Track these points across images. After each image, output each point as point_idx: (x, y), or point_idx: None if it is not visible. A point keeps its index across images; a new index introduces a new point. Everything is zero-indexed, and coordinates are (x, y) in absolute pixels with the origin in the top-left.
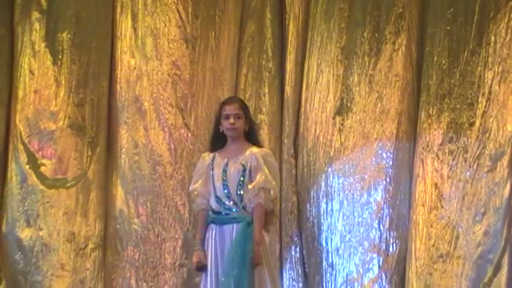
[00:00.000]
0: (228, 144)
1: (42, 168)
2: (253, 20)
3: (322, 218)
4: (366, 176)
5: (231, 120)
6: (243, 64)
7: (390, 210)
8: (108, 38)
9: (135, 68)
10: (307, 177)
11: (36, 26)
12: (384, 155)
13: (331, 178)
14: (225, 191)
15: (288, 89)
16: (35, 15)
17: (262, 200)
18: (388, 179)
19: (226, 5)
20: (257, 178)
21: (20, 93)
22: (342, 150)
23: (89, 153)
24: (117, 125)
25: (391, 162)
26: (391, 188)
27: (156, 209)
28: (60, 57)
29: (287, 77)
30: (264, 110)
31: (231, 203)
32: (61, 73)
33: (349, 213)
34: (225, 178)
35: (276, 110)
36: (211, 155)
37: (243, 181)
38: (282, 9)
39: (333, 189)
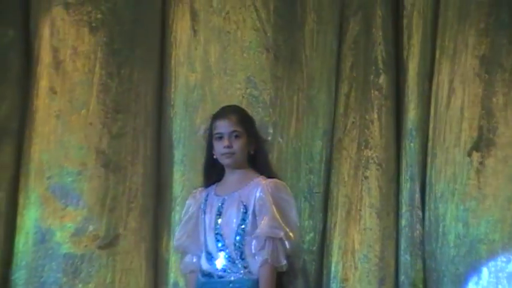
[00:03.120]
0: (226, 175)
1: (67, 224)
2: (358, 18)
3: None
4: None
5: (225, 141)
6: (344, 80)
7: None
8: (157, 43)
9: (195, 87)
10: (434, 236)
11: (60, 26)
12: None
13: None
14: (219, 243)
15: (410, 114)
16: (58, 12)
17: (269, 256)
18: None
19: None
20: (261, 224)
21: (38, 119)
22: (482, 200)
23: (130, 202)
24: (169, 165)
25: None
26: None
27: None
28: (92, 69)
29: (407, 98)
30: (371, 143)
31: (227, 260)
32: (93, 92)
33: None
34: (218, 225)
35: (390, 143)
36: (205, 191)
37: (243, 229)
38: (398, 4)
39: (471, 254)
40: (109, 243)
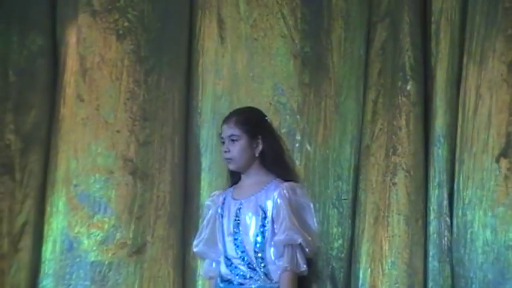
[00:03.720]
0: (243, 178)
1: (94, 231)
2: (385, 24)
3: None
4: None
5: (225, 147)
6: (371, 86)
7: None
8: (184, 51)
9: (222, 94)
10: (462, 243)
11: (87, 34)
12: None
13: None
14: (238, 249)
15: (438, 121)
16: (85, 19)
17: (288, 264)
18: None
19: (348, 5)
20: (278, 230)
21: (65, 127)
22: (510, 206)
23: (158, 210)
24: (196, 173)
25: None
26: None
27: None
28: (119, 76)
29: (435, 104)
30: (399, 149)
31: (247, 267)
32: (120, 98)
33: None
34: (237, 230)
35: (418, 149)
36: (223, 194)
37: (263, 234)
38: (426, 10)
39: (500, 261)
40: (137, 251)
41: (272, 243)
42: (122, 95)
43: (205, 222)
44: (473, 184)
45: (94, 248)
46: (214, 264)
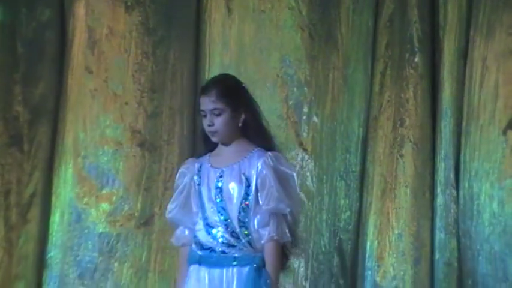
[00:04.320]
0: (221, 147)
1: (102, 203)
2: None
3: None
4: None
5: (207, 120)
6: (379, 59)
7: None
8: (192, 23)
9: (229, 66)
10: (469, 215)
11: (95, 5)
12: None
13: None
14: (222, 217)
15: (445, 93)
16: None
17: (274, 233)
18: None
19: None
20: (264, 199)
21: (73, 99)
22: None
23: (166, 181)
24: None
25: None
26: None
27: None
28: (127, 48)
29: (442, 76)
30: (407, 122)
31: (230, 235)
32: (128, 71)
33: None
34: (219, 198)
35: (426, 122)
36: (198, 161)
37: (247, 204)
38: None
39: (506, 233)
40: (145, 222)
41: (257, 211)
42: (130, 66)
43: (179, 189)
44: (479, 156)
45: (102, 220)
46: (187, 232)
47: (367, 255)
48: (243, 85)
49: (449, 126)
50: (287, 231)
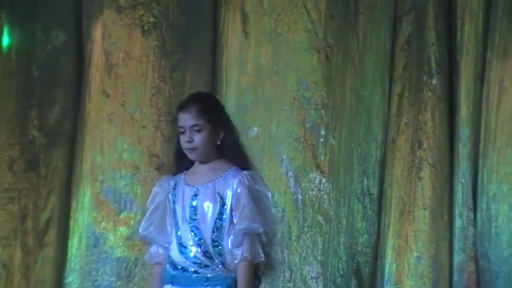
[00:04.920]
0: (197, 165)
1: (120, 227)
2: (410, 19)
3: None
4: None
5: (186, 137)
6: (396, 81)
7: None
8: (208, 46)
9: (246, 89)
10: (487, 237)
11: (112, 29)
12: None
13: None
14: (195, 237)
15: (462, 115)
16: (110, 15)
17: (248, 253)
18: None
19: None
20: (238, 218)
21: (90, 123)
22: None
23: None
24: None
25: None
26: None
27: (278, 284)
28: (144, 72)
29: (460, 98)
30: (425, 144)
31: (203, 255)
32: (146, 94)
33: None
34: (193, 217)
35: (443, 144)
36: (172, 179)
37: (221, 222)
38: (451, 4)
39: None
40: None
41: (231, 231)
42: (147, 90)
43: (153, 207)
44: (497, 178)
45: (120, 244)
46: (161, 250)
47: (385, 278)
48: (222, 104)
49: (466, 148)
50: (260, 251)
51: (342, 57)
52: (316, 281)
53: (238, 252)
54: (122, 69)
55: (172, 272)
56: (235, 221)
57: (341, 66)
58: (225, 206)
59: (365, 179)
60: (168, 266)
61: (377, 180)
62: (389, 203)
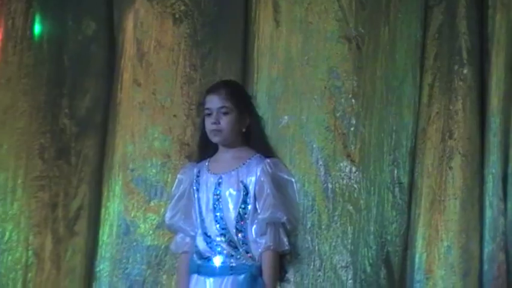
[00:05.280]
0: (220, 152)
1: (151, 216)
2: (442, 8)
3: None
4: None
5: (213, 118)
6: (427, 70)
7: None
8: (240, 35)
9: (277, 78)
10: None
11: (144, 18)
12: None
13: None
14: (218, 225)
15: (493, 105)
16: (142, 4)
17: (272, 242)
18: None
19: None
20: (261, 207)
21: (121, 112)
22: None
23: None
24: None
25: None
26: None
27: (308, 273)
28: (175, 61)
29: (490, 88)
30: (456, 134)
31: (227, 244)
32: (176, 83)
33: None
34: (217, 206)
35: (475, 134)
36: (196, 167)
37: (245, 211)
38: None
39: None
40: None
41: (255, 220)
42: (178, 79)
43: (178, 195)
44: None
45: (150, 232)
46: (188, 239)
47: (415, 268)
48: (249, 94)
49: (497, 137)
50: (285, 240)
51: (372, 47)
52: (346, 270)
53: (262, 241)
54: (153, 57)
55: (198, 262)
56: (258, 210)
57: (372, 56)
58: (248, 195)
59: (395, 169)
60: (194, 255)
61: (407, 169)
62: (419, 193)
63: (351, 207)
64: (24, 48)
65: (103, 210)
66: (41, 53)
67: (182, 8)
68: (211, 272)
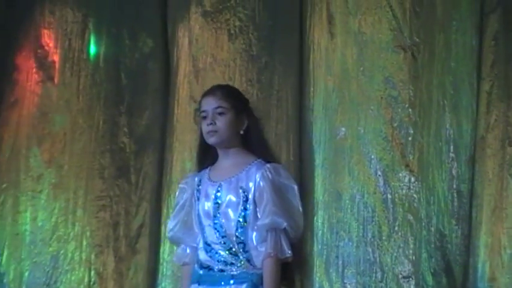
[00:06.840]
0: (220, 159)
1: None
2: (498, 15)
3: None
4: None
5: (209, 119)
6: (485, 78)
7: None
8: (295, 48)
9: (333, 90)
10: None
11: (199, 34)
12: None
13: None
14: (218, 234)
15: None
16: (197, 20)
17: (272, 249)
18: None
19: None
20: (261, 214)
21: (179, 128)
22: None
23: None
24: (310, 170)
25: None
26: None
27: (370, 284)
28: (232, 76)
29: None
30: None
31: (228, 252)
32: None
33: None
34: (217, 213)
35: None
36: (197, 176)
37: (245, 218)
38: None
39: None
40: None
41: (255, 227)
42: None
43: (179, 206)
44: None
45: None
46: (188, 250)
47: (478, 276)
48: (246, 98)
49: None
50: (286, 247)
51: (428, 55)
52: (408, 281)
53: (263, 248)
54: (209, 73)
55: (200, 272)
56: (259, 216)
57: (427, 64)
58: (248, 201)
59: (454, 177)
60: (196, 265)
61: (467, 178)
62: (480, 201)
63: (411, 217)
64: (82, 68)
65: (163, 227)
66: (98, 72)
67: (237, 23)
68: (211, 281)
